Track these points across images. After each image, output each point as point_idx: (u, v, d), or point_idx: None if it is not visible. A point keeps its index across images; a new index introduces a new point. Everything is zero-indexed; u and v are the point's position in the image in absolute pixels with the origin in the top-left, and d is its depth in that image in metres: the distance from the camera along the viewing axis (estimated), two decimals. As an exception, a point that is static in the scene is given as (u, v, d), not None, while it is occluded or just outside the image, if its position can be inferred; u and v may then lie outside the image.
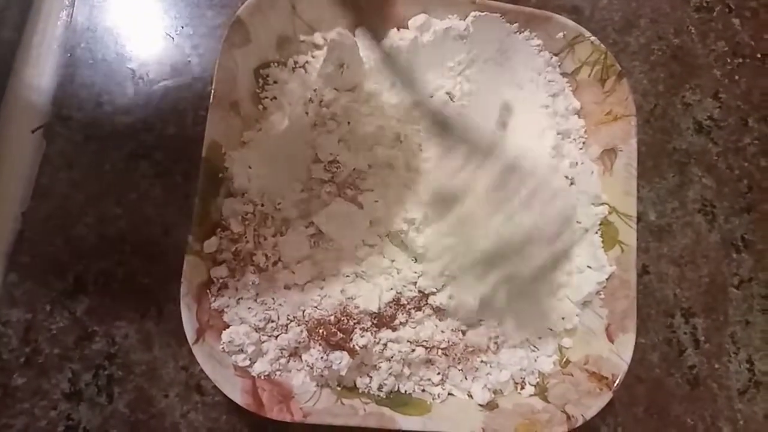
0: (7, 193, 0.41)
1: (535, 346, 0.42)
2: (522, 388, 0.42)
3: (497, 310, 0.41)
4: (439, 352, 0.41)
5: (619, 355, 0.41)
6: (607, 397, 0.40)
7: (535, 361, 0.42)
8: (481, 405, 0.40)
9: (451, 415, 0.39)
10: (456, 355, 0.41)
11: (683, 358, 0.47)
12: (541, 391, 0.42)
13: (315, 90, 0.41)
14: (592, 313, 0.43)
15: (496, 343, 0.42)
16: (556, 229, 0.39)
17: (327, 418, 0.37)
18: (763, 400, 0.47)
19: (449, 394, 0.41)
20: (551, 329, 0.43)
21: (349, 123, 0.42)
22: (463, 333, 0.41)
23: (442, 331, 0.41)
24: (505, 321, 0.42)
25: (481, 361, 0.41)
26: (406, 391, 0.40)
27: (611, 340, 0.42)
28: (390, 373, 0.39)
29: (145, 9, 0.45)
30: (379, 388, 0.39)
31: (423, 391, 0.40)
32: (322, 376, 0.38)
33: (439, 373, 0.41)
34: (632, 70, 0.51)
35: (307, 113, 0.41)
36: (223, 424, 0.40)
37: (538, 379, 0.42)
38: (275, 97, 0.42)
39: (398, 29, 0.44)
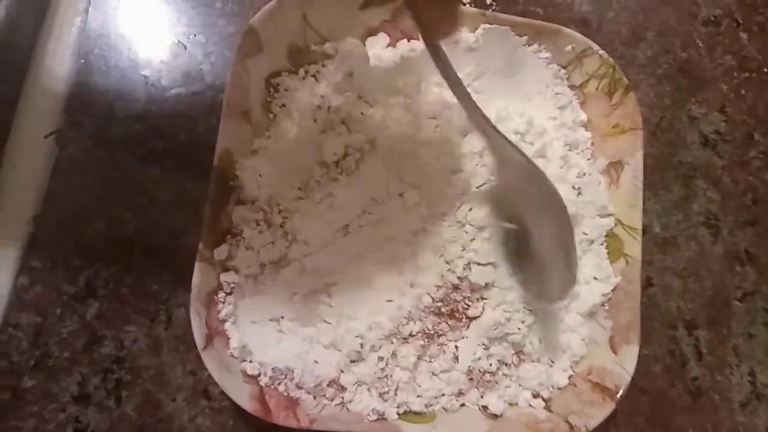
0: (20, 197, 0.41)
1: (552, 361, 0.43)
2: (533, 398, 0.42)
3: None
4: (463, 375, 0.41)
5: (622, 366, 0.41)
6: (609, 407, 0.40)
7: (551, 375, 0.43)
8: (486, 414, 0.41)
9: (456, 424, 0.40)
10: (479, 376, 0.42)
11: (686, 369, 0.47)
12: (545, 401, 0.42)
13: (323, 96, 0.42)
14: (597, 325, 0.44)
15: (519, 356, 0.42)
16: None
17: (332, 425, 0.37)
18: (765, 413, 0.48)
19: (461, 405, 0.41)
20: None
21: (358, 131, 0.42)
22: (486, 347, 0.42)
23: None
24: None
25: (503, 374, 0.42)
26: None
27: (615, 352, 0.42)
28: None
29: (158, 17, 0.45)
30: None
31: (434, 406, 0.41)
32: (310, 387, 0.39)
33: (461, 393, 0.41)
34: (639, 83, 0.51)
35: (315, 120, 0.42)
36: (230, 429, 0.40)
37: (551, 393, 0.42)
38: (284, 105, 0.43)
39: (408, 40, 0.45)
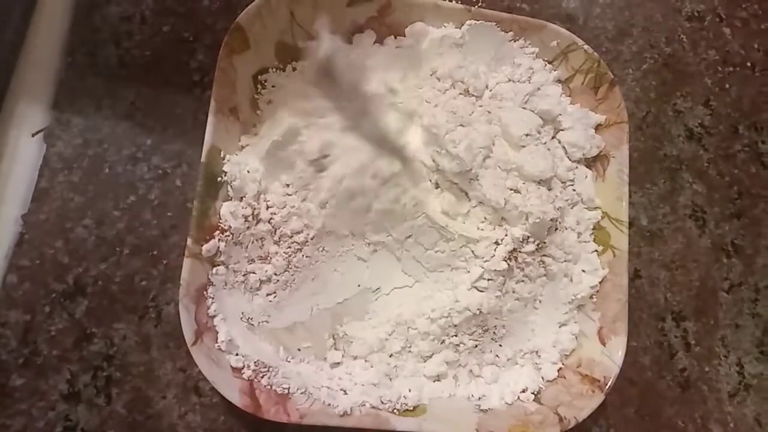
0: (8, 195, 0.41)
1: (538, 353, 0.43)
2: (522, 392, 0.42)
3: None
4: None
5: (611, 358, 0.42)
6: (599, 399, 0.40)
7: (540, 369, 0.43)
8: (475, 406, 0.41)
9: (446, 416, 0.40)
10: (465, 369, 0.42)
11: (674, 360, 0.48)
12: (534, 394, 0.42)
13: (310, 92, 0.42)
14: (585, 317, 0.44)
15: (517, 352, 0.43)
16: None
17: (323, 419, 0.37)
18: (753, 403, 0.48)
19: (450, 395, 0.41)
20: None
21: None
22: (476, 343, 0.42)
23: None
24: None
25: (496, 366, 0.42)
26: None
27: (603, 343, 0.42)
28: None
29: (146, 15, 0.45)
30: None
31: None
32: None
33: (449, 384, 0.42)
34: (624, 77, 0.52)
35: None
36: (220, 425, 0.40)
37: (540, 386, 0.42)
38: (271, 101, 0.43)
39: (395, 37, 0.45)
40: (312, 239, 0.41)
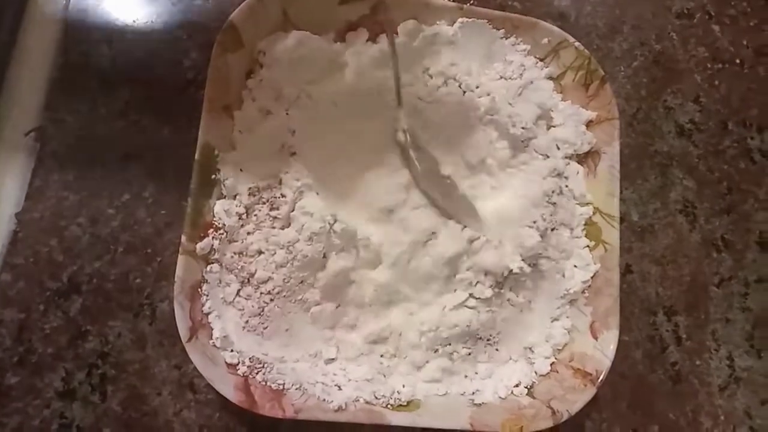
0: (2, 194, 0.41)
1: (531, 349, 0.44)
2: (516, 386, 0.43)
3: None
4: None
5: (602, 352, 0.42)
6: (591, 392, 0.41)
7: (533, 363, 0.43)
8: (469, 401, 0.41)
9: (440, 410, 0.40)
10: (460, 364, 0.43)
11: (665, 354, 0.48)
12: (528, 388, 0.43)
13: (302, 90, 0.42)
14: (577, 311, 0.44)
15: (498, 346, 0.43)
16: None
17: (318, 414, 0.38)
18: (743, 396, 0.49)
19: (445, 393, 0.42)
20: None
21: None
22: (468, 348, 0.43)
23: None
24: None
25: (490, 364, 0.43)
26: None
27: (595, 338, 0.43)
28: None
29: (140, 13, 0.46)
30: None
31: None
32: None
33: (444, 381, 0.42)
34: (615, 74, 0.52)
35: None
36: (216, 421, 0.40)
37: (533, 380, 0.43)
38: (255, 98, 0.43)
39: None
40: (280, 292, 0.40)
